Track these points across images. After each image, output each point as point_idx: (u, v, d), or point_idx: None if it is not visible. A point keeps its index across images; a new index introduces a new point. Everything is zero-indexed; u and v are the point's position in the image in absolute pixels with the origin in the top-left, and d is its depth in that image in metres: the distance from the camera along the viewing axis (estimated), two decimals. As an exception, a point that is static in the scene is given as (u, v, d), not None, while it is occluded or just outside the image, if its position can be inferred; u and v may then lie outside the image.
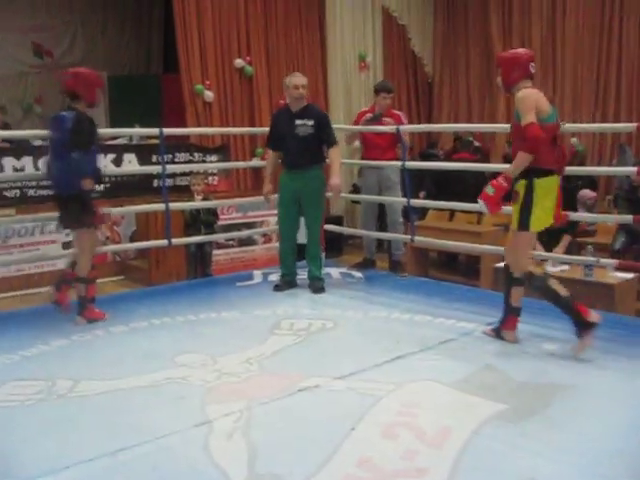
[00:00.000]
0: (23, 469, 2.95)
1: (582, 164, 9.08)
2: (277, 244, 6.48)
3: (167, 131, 6.39)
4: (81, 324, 5.13)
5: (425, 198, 8.24)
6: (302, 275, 6.23)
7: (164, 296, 6.05)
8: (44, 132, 5.42)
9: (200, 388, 3.80)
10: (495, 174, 4.57)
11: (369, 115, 6.87)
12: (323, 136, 5.88)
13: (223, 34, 9.32)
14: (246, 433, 3.20)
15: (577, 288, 5.62)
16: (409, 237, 6.63)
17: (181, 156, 8.29)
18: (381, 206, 7.16)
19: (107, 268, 7.72)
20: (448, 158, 9.02)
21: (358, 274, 6.75)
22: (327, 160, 6.01)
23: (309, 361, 4.24)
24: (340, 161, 6.05)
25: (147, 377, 3.98)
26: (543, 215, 4.28)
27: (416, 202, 6.86)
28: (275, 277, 6.42)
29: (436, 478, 2.78)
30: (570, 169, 7.14)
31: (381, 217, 7.27)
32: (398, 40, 11.48)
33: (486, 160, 9.16)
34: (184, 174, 8.01)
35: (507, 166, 4.54)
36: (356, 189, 9.42)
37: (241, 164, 8.95)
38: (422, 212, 8.38)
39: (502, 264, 4.74)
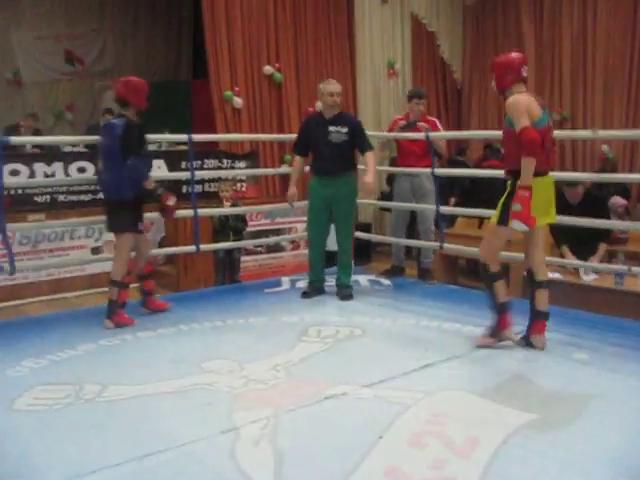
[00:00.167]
0: (50, 473, 2.96)
1: (613, 171, 8.97)
2: (305, 251, 6.46)
3: (196, 137, 6.44)
4: (109, 327, 5.17)
5: (455, 205, 8.18)
6: (330, 282, 6.22)
7: (192, 302, 6.08)
8: (74, 138, 5.49)
9: (227, 394, 3.79)
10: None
11: (403, 122, 6.85)
12: (358, 142, 5.88)
13: (252, 41, 9.32)
14: (273, 440, 3.18)
15: (608, 297, 5.56)
16: (438, 244, 6.59)
17: (210, 162, 8.29)
18: (412, 213, 7.13)
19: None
20: (478, 165, 8.95)
21: (386, 281, 6.73)
22: (360, 167, 5.99)
23: (336, 368, 4.22)
24: (375, 164, 6.04)
25: (174, 383, 3.99)
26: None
27: (446, 209, 6.82)
28: (303, 284, 6.42)
29: (465, 488, 2.74)
30: (601, 176, 7.12)
31: (411, 225, 7.24)
32: (427, 47, 11.41)
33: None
34: (213, 180, 8.03)
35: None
36: (384, 196, 9.37)
37: (270, 171, 8.94)
38: (451, 219, 8.31)
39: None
